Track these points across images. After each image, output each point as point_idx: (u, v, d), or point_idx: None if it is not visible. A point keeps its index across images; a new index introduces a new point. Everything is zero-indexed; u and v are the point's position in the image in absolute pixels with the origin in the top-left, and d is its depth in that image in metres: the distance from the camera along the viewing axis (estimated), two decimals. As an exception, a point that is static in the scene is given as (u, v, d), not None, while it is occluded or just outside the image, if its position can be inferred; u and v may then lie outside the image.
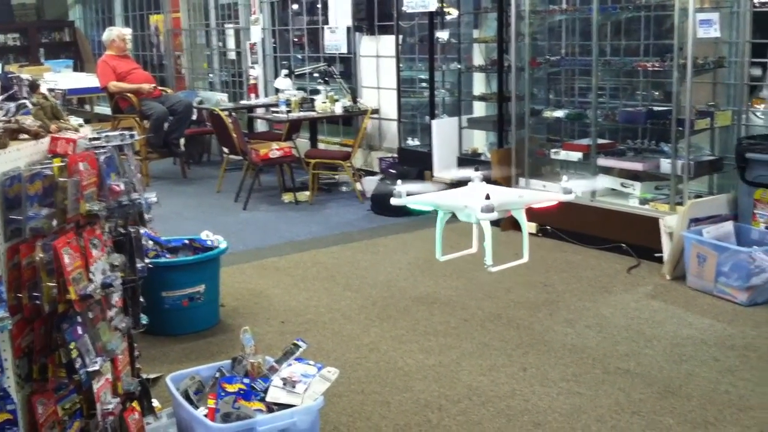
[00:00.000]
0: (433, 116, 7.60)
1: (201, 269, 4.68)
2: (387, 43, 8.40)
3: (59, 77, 10.63)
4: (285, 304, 5.12)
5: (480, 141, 7.43)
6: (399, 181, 2.87)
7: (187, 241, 4.81)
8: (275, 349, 4.26)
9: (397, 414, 3.59)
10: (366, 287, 5.39)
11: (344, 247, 6.44)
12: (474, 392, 3.76)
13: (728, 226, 5.15)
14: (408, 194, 3.06)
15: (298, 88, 9.24)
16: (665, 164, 5.71)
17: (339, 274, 5.73)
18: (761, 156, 5.06)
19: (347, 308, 5.00)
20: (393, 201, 2.78)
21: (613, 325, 4.53)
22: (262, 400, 2.74)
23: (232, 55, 11.24)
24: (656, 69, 5.81)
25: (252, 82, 10.55)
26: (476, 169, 2.97)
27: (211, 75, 11.79)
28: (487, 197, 2.70)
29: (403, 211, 7.28)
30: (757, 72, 6.17)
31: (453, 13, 7.54)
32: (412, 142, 8.23)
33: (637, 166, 5.91)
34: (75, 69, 12.75)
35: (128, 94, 9.06)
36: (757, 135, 5.48)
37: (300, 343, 2.98)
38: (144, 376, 3.92)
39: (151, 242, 4.66)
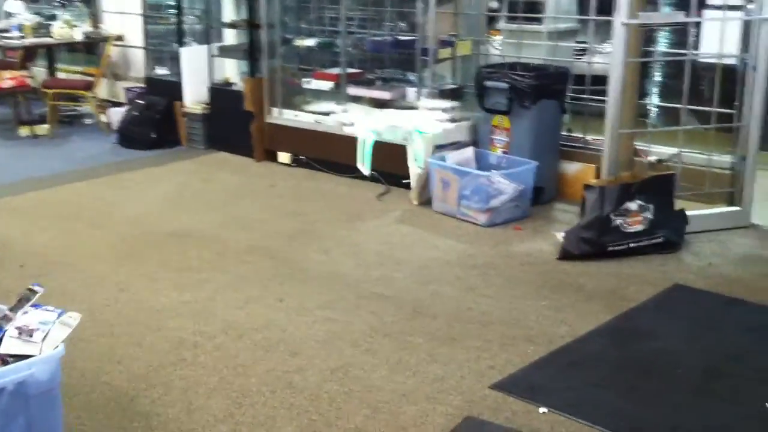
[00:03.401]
0: (181, 44, 7.29)
1: None
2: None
3: None
4: (24, 246, 4.77)
5: (232, 70, 7.24)
6: None
7: None
8: (13, 296, 3.96)
9: (150, 354, 3.48)
10: (114, 224, 5.14)
11: (89, 183, 6.09)
12: (230, 326, 3.72)
13: (469, 151, 5.43)
14: None
15: (35, 13, 8.49)
16: (411, 93, 5.89)
17: (84, 211, 5.41)
18: (497, 84, 5.34)
19: (94, 248, 4.74)
20: None
21: (366, 251, 4.65)
22: (-5, 352, 2.52)
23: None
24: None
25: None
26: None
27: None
28: None
29: (152, 144, 7.03)
30: (494, 4, 6.48)
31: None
32: (161, 71, 7.86)
33: (385, 95, 6.05)
34: None
35: None
36: (494, 64, 5.77)
37: (36, 288, 2.75)
38: None
39: None
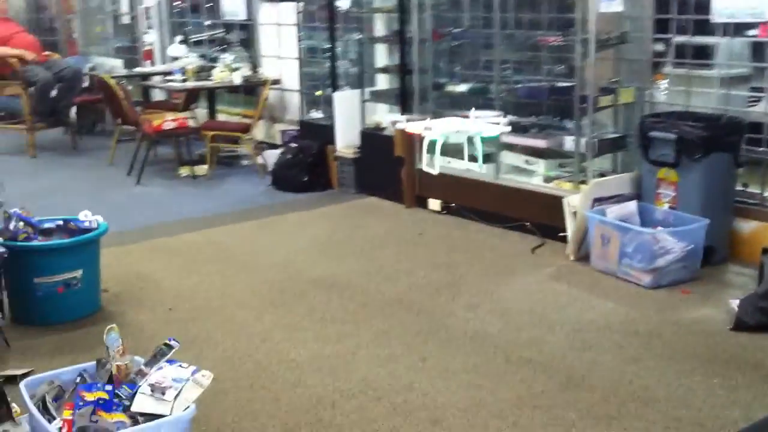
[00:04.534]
0: (335, 88, 7.31)
1: (77, 253, 4.31)
2: (288, 10, 8.04)
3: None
4: (174, 288, 4.80)
5: (383, 115, 7.18)
6: None
7: (61, 222, 4.42)
8: (159, 340, 3.94)
9: (287, 412, 3.35)
10: (262, 269, 5.11)
11: (241, 225, 6.13)
12: (370, 386, 3.54)
13: (632, 205, 5.06)
14: None
15: (201, 56, 8.80)
16: (569, 141, 5.59)
17: (234, 254, 5.43)
18: (664, 134, 4.96)
19: (240, 293, 4.71)
20: None
21: (516, 310, 4.37)
22: (126, 409, 2.45)
23: (127, 20, 10.65)
24: (559, 44, 5.66)
25: (147, 48, 10.04)
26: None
27: (108, 40, 11.16)
28: None
29: (304, 187, 7.05)
30: (659, 47, 6.10)
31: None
32: (316, 114, 7.92)
33: (541, 143, 5.77)
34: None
35: (11, 59, 8.46)
36: (660, 113, 5.38)
37: (172, 343, 2.69)
38: (6, 372, 3.59)
39: (21, 224, 4.27)
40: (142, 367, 2.63)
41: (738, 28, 5.35)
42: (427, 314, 4.35)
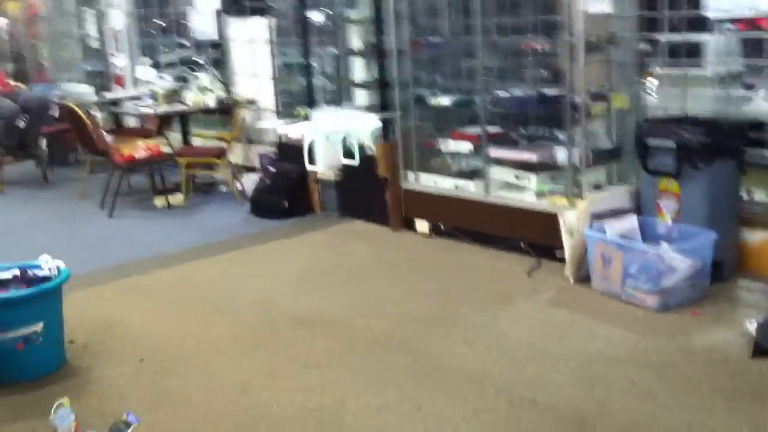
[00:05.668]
0: (312, 105, 6.98)
1: (36, 304, 3.94)
2: (259, 26, 7.70)
3: None
4: (145, 335, 4.44)
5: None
6: None
7: (18, 272, 4.06)
8: (128, 398, 3.62)
9: (270, 480, 3.01)
10: (240, 309, 4.75)
11: (219, 258, 5.78)
12: (361, 443, 3.21)
13: (632, 220, 4.74)
14: None
15: (176, 78, 8.44)
16: (560, 153, 5.28)
17: (211, 293, 5.07)
18: (663, 142, 4.65)
19: (217, 337, 4.35)
20: None
21: (516, 343, 4.04)
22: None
23: (96, 44, 10.29)
24: (545, 49, 5.34)
25: (118, 72, 9.69)
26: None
27: (78, 65, 10.79)
28: None
29: (284, 213, 6.70)
30: (645, 48, 5.79)
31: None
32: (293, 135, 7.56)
33: (531, 156, 5.44)
34: None
35: (-27, 92, 8.12)
36: (656, 118, 5.07)
37: (130, 419, 2.37)
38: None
39: (-27, 276, 3.91)
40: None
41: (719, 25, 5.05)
42: (421, 353, 4.01)
